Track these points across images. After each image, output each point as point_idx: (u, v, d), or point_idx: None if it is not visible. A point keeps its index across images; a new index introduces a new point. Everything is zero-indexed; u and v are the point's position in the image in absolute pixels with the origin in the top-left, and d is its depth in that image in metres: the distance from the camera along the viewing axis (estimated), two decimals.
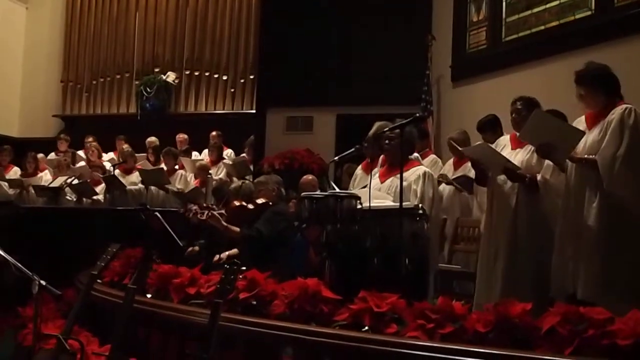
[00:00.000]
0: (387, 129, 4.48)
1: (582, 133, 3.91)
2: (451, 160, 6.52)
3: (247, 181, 6.84)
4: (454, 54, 7.83)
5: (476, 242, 5.22)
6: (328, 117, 8.97)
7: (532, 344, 2.78)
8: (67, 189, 8.54)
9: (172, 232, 4.93)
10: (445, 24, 8.00)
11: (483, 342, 2.84)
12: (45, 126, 11.72)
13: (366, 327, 3.17)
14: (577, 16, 6.20)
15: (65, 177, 8.62)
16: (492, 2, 7.33)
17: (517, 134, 4.29)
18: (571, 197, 3.97)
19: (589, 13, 6.09)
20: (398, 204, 3.79)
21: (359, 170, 5.32)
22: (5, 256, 3.50)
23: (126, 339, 3.55)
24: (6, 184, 9.16)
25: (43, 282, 3.41)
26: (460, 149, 5.70)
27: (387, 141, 4.53)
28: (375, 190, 4.15)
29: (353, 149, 5.22)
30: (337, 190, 4.48)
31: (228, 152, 9.37)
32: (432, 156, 6.81)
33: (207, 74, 11.15)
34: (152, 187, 8.33)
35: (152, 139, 9.72)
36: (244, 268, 3.30)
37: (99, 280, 4.34)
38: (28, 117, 11.96)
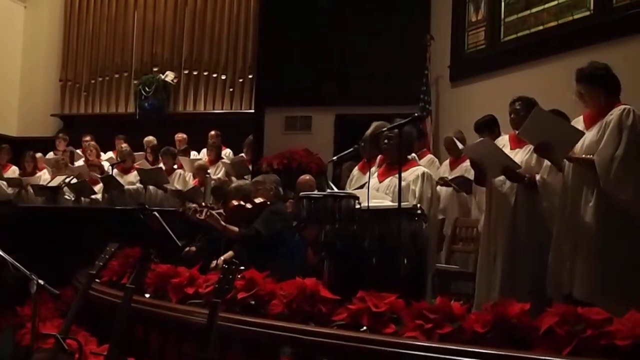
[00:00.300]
0: (385, 128, 4.48)
1: (582, 133, 3.91)
2: (447, 161, 6.53)
3: (247, 181, 6.84)
4: (452, 54, 7.84)
5: (474, 242, 5.23)
6: (327, 117, 8.97)
7: (531, 344, 2.78)
8: (66, 189, 8.53)
9: (170, 232, 4.93)
10: (443, 24, 8.01)
11: (481, 342, 2.84)
12: (44, 125, 11.70)
13: (364, 327, 3.17)
14: (576, 16, 6.21)
15: (63, 177, 8.61)
16: (490, 2, 7.33)
17: (517, 132, 4.30)
18: (568, 196, 3.98)
19: (587, 13, 6.10)
20: (397, 204, 3.79)
21: (355, 171, 5.32)
22: (4, 255, 3.49)
23: (124, 339, 3.54)
24: (5, 183, 9.16)
25: (41, 282, 3.40)
26: (461, 147, 5.70)
27: (385, 141, 4.53)
28: (373, 191, 4.16)
29: (352, 149, 5.22)
30: (336, 190, 4.48)
31: (226, 152, 9.36)
32: (430, 156, 6.82)
33: (205, 73, 11.14)
34: (151, 187, 8.32)
35: (151, 138, 9.70)
36: (242, 268, 3.30)
37: (97, 280, 4.34)
38: (26, 116, 11.94)
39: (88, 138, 10.09)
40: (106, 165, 9.05)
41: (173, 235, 4.90)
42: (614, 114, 3.85)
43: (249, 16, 10.95)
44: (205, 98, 11.16)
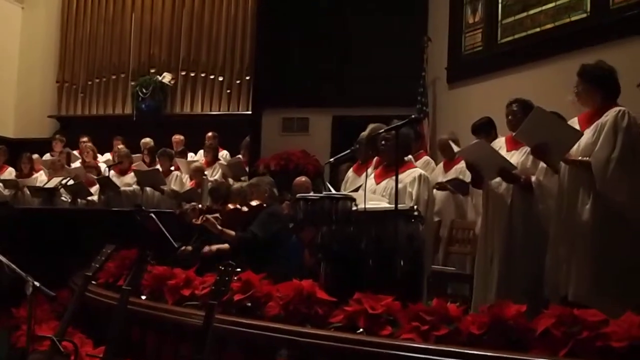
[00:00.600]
0: (382, 130, 4.48)
1: (580, 134, 3.90)
2: (441, 164, 6.52)
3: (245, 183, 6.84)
4: (449, 55, 7.84)
5: (471, 244, 5.24)
6: (324, 119, 8.95)
7: (527, 345, 2.78)
8: (62, 190, 8.52)
9: (167, 234, 4.93)
10: (441, 25, 8.00)
11: (478, 344, 2.84)
12: (41, 127, 11.68)
13: (361, 329, 3.17)
14: (573, 18, 6.21)
15: (60, 178, 8.59)
16: (487, 4, 7.33)
17: (513, 134, 4.30)
18: (564, 198, 3.98)
19: (584, 15, 6.10)
20: (393, 205, 3.79)
21: (350, 173, 5.32)
22: None
23: (121, 341, 3.54)
24: (1, 184, 9.14)
25: (37, 283, 3.39)
26: (456, 149, 5.69)
27: (383, 142, 4.53)
28: (369, 193, 4.15)
29: (348, 151, 5.22)
30: (333, 191, 4.48)
31: (223, 154, 9.36)
32: (425, 157, 6.80)
33: (203, 75, 11.14)
34: (147, 188, 8.31)
35: (147, 139, 9.69)
36: (238, 270, 3.30)
37: (93, 282, 4.34)
38: (23, 118, 11.92)
39: (85, 139, 10.09)
40: (103, 166, 9.04)
41: (170, 237, 4.91)
42: (609, 115, 3.85)
43: (247, 17, 10.95)
44: (202, 99, 11.16)
